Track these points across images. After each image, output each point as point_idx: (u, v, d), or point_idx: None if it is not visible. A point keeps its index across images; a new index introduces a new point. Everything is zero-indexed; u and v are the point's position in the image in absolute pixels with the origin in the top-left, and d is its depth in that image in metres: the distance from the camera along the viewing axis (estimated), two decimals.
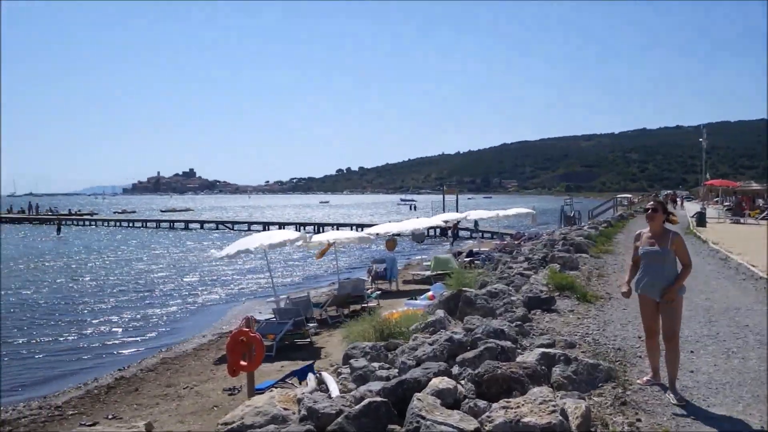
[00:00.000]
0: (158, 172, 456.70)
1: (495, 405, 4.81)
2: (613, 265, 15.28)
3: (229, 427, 6.63)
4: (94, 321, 18.27)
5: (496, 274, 14.04)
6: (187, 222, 68.26)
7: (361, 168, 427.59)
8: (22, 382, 12.62)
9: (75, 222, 75.58)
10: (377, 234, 21.95)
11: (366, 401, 5.04)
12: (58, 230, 58.52)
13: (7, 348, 15.14)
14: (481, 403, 4.96)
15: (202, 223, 67.23)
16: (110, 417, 9.88)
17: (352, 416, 4.90)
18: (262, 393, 8.91)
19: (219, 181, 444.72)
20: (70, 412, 10.46)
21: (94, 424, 9.25)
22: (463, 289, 10.13)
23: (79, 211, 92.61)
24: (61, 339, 16.19)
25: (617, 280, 12.23)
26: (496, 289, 10.18)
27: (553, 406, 4.56)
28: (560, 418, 4.41)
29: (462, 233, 41.84)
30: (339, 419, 4.96)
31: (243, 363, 8.89)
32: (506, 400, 4.85)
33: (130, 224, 70.14)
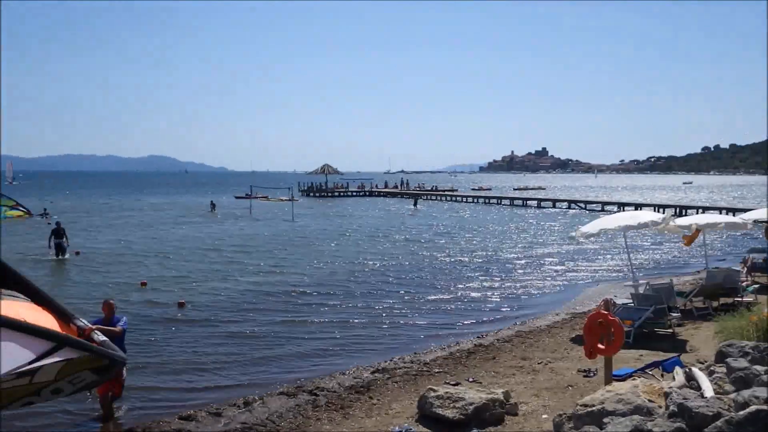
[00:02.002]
0: (512, 151, 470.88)
1: None
2: None
3: (589, 409, 6.53)
4: (449, 291, 19.71)
5: None
6: (539, 200, 69.25)
7: (732, 145, 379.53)
8: (396, 339, 14.25)
9: (435, 197, 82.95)
10: (755, 220, 19.26)
11: (753, 408, 4.47)
12: (415, 203, 65.16)
13: (382, 305, 17.27)
14: None
15: (554, 201, 67.47)
16: (471, 380, 10.57)
17: (735, 422, 4.39)
18: (620, 380, 8.58)
19: (571, 160, 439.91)
20: (436, 370, 11.50)
21: (457, 384, 10.02)
22: None
23: (436, 187, 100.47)
24: (421, 303, 17.82)
25: None
26: None
27: None
28: None
29: None
30: (718, 423, 4.49)
31: (600, 346, 8.66)
32: None
33: (486, 201, 74.10)
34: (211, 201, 57.65)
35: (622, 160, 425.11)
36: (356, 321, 15.48)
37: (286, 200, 65.19)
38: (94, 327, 8.51)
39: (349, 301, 17.65)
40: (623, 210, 46.94)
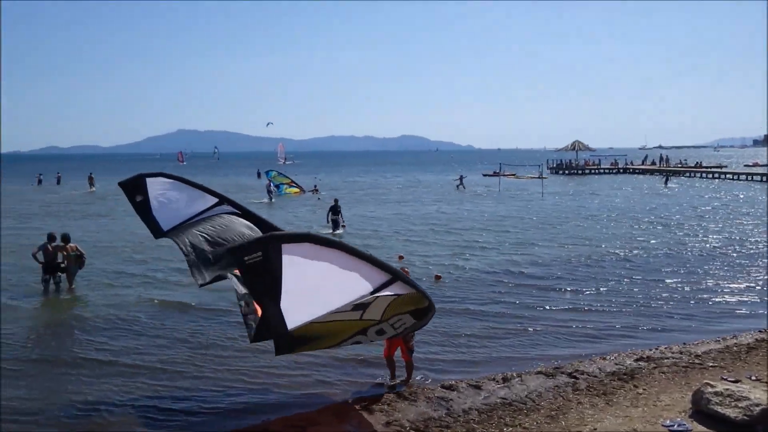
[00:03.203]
0: None
1: None
2: None
3: None
4: (712, 279, 17.81)
5: None
6: None
7: None
8: (655, 328, 13.30)
9: (695, 174, 75.29)
10: None
11: None
12: (665, 182, 59.77)
13: (634, 292, 16.23)
14: None
15: None
16: (753, 378, 9.55)
17: None
18: None
19: None
20: (710, 364, 10.56)
21: (737, 381, 9.10)
22: None
23: (700, 163, 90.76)
24: (681, 291, 16.35)
25: None
26: None
27: None
28: None
29: None
30: None
31: None
32: None
33: (763, 179, 65.33)
34: (461, 176, 58.84)
35: None
36: (608, 308, 14.69)
37: (534, 177, 64.30)
38: None
39: (598, 286, 16.74)
40: None
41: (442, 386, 9.71)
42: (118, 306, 14.66)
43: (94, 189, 54.62)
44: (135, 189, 9.81)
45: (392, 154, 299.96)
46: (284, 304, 6.87)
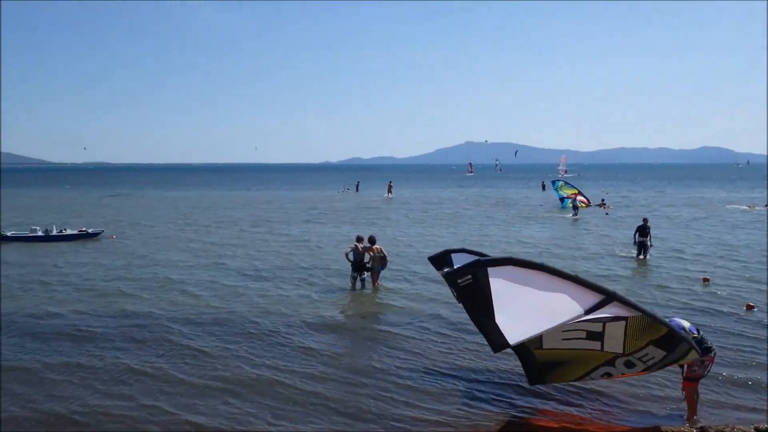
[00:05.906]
0: None
1: None
2: None
3: None
4: None
5: None
6: None
7: None
8: None
9: None
10: None
11: None
12: None
13: None
14: None
15: None
16: None
17: None
18: None
19: None
20: None
21: None
22: None
23: None
24: None
25: None
26: None
27: None
28: None
29: None
30: None
31: None
32: None
33: None
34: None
35: None
36: None
37: None
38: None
39: None
40: None
41: (757, 429, 8.66)
42: (416, 300, 16.42)
43: (392, 195, 59.74)
44: (440, 263, 10.69)
45: (689, 168, 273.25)
46: (499, 320, 7.54)
